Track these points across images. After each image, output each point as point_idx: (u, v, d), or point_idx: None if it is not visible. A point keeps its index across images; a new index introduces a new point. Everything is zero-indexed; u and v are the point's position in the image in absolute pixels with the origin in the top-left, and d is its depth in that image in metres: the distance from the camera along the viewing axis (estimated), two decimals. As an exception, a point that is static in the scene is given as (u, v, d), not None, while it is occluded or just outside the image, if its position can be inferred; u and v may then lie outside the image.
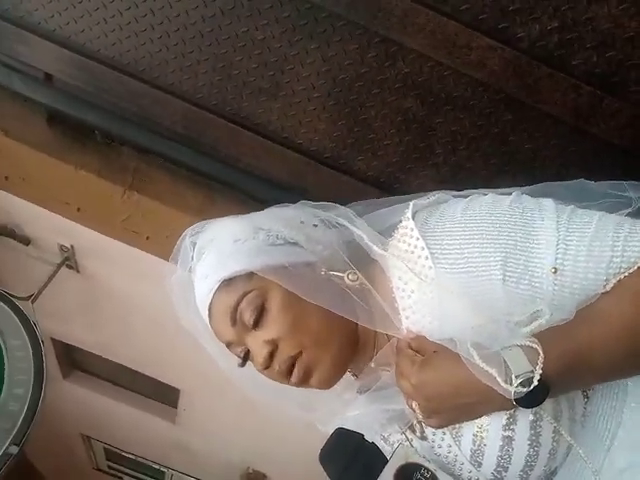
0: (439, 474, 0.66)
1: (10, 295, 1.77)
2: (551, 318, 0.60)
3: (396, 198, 0.82)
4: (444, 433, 0.70)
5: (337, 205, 0.81)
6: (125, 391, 3.39)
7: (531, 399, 0.57)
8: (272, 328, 0.70)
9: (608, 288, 0.60)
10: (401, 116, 1.19)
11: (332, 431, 0.79)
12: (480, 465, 0.68)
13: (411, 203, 0.74)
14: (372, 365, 0.75)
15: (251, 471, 3.78)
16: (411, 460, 0.67)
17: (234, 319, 0.71)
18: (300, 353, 0.70)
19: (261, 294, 0.70)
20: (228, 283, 0.71)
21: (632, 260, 0.60)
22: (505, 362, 0.58)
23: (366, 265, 0.75)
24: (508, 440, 0.65)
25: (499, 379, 0.57)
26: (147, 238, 1.57)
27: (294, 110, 1.23)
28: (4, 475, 1.53)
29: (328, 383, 0.73)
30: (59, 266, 1.90)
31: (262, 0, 1.09)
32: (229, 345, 0.75)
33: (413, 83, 1.13)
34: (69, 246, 1.88)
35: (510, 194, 0.71)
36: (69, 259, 1.91)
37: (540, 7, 0.98)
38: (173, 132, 1.37)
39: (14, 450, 1.50)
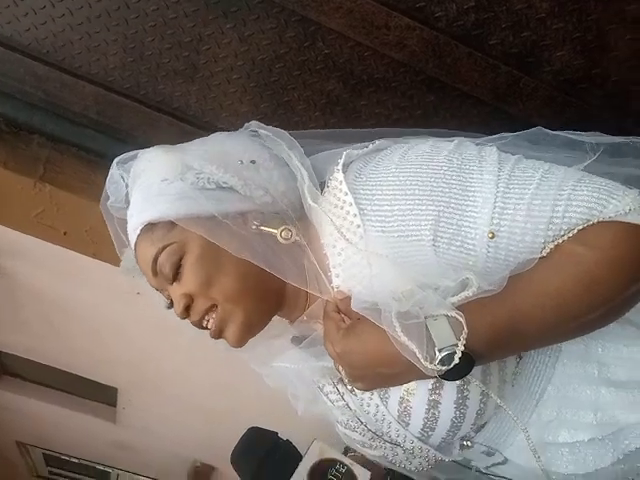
0: (355, 468, 0.64)
1: None
2: (479, 289, 0.55)
3: (344, 132, 0.77)
4: (372, 393, 0.68)
5: (286, 134, 0.75)
6: (60, 393, 3.24)
7: (454, 373, 0.55)
8: (186, 283, 0.68)
9: (544, 253, 0.56)
10: (325, 98, 1.16)
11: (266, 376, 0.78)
12: (407, 425, 0.67)
13: (344, 153, 0.68)
14: (304, 318, 0.72)
15: (199, 464, 3.72)
16: (326, 456, 0.65)
17: (155, 271, 0.69)
18: (213, 306, 0.68)
19: (179, 248, 0.67)
20: (150, 228, 0.68)
21: (573, 221, 0.56)
22: (429, 333, 0.55)
23: (303, 215, 0.70)
24: (434, 403, 0.63)
25: (420, 356, 0.54)
26: (65, 233, 1.47)
27: (214, 93, 1.18)
28: None
29: (240, 341, 0.70)
30: (-28, 267, 1.76)
31: (171, -25, 1.03)
32: (156, 289, 0.74)
33: (334, 64, 1.10)
34: (-19, 245, 1.74)
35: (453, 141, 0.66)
36: (-18, 259, 1.77)
37: (456, -14, 0.97)
38: (86, 118, 1.29)
39: None
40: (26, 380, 3.23)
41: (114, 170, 0.78)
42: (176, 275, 0.68)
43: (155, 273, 0.69)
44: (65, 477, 5.11)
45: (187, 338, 0.75)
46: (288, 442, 0.68)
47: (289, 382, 0.78)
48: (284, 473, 0.61)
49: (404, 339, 0.55)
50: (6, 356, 2.91)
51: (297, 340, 0.75)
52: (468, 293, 0.56)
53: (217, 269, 0.67)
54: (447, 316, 0.55)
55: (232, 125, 1.22)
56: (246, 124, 0.82)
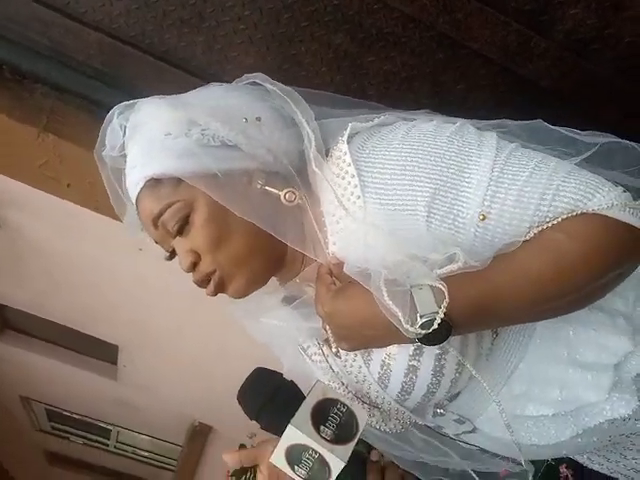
0: (354, 408, 0.66)
1: None
2: (464, 264, 0.59)
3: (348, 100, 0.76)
4: (355, 355, 0.71)
5: (293, 92, 0.73)
6: (63, 349, 3.30)
7: (432, 338, 0.58)
8: (195, 240, 0.68)
9: (528, 237, 0.59)
10: (332, 53, 1.14)
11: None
12: (386, 387, 0.70)
13: (349, 125, 0.69)
14: (297, 280, 0.74)
15: (197, 424, 3.81)
16: (328, 396, 0.67)
17: (156, 225, 0.69)
18: (215, 270, 0.69)
19: (187, 205, 0.67)
20: (155, 184, 0.68)
21: (558, 210, 0.59)
22: (413, 300, 0.58)
23: (305, 179, 0.71)
24: (413, 369, 0.67)
25: (402, 320, 0.58)
26: (68, 185, 1.47)
27: (219, 44, 1.16)
28: None
29: (241, 295, 0.72)
30: (-25, 218, 1.77)
31: None
32: (156, 242, 0.73)
33: (343, 16, 1.08)
34: (-16, 196, 1.75)
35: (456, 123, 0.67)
36: (-15, 210, 1.78)
37: (470, -64, 0.95)
38: (90, 68, 1.27)
39: None
40: (29, 335, 3.29)
41: (114, 119, 0.75)
42: (181, 231, 0.68)
43: (157, 227, 0.69)
44: (67, 432, 5.26)
45: (189, 298, 0.76)
46: (292, 383, 0.70)
47: (274, 339, 0.80)
48: (289, 410, 0.63)
49: (389, 303, 0.58)
50: (10, 310, 2.95)
51: (288, 300, 0.77)
52: (454, 266, 0.60)
53: (225, 229, 0.68)
54: (431, 286, 0.59)
55: (237, 78, 1.21)
56: (246, 75, 0.80)
